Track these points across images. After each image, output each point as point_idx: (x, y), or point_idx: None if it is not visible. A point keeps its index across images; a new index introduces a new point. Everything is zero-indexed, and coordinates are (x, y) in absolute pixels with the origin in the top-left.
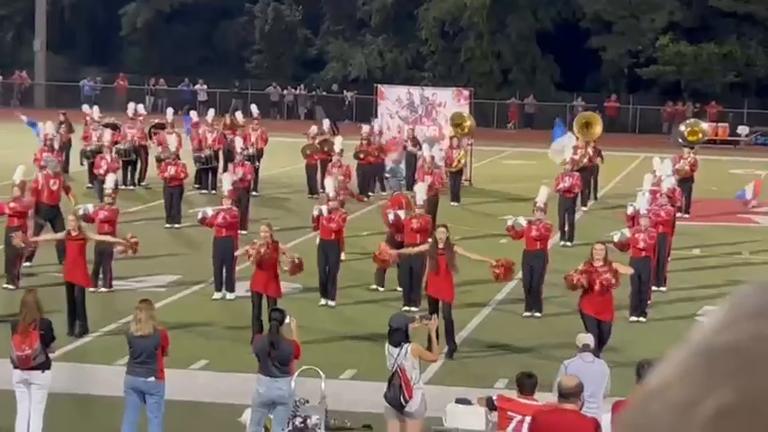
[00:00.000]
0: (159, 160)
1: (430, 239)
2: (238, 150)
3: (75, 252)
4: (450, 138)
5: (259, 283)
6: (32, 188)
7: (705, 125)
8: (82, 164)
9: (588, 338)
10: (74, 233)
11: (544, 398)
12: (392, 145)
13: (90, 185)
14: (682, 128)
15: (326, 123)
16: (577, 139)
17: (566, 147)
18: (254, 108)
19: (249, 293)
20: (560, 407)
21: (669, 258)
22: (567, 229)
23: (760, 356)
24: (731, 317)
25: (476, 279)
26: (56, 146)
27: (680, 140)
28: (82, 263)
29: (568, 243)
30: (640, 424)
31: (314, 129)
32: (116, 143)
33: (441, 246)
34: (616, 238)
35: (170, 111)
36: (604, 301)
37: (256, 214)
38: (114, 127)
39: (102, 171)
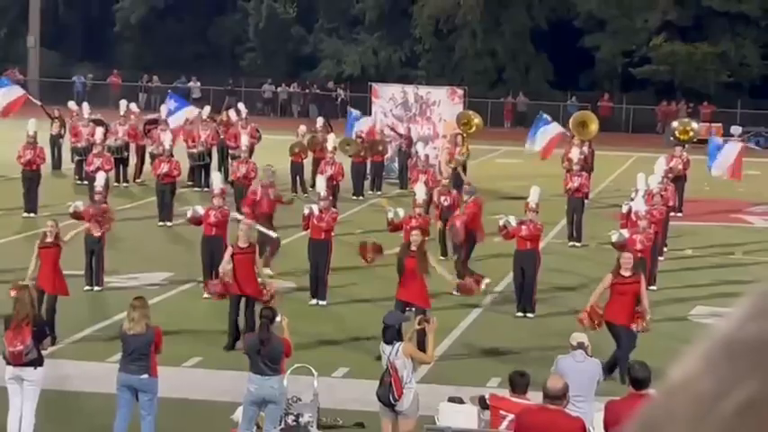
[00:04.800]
0: (153, 157)
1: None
2: (243, 148)
3: (49, 259)
4: (454, 135)
5: (239, 285)
6: None
7: (696, 125)
8: (72, 161)
9: (582, 337)
10: (49, 239)
11: (537, 397)
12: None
13: (79, 182)
14: (674, 124)
15: (320, 121)
16: (572, 136)
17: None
18: (241, 106)
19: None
20: (546, 407)
21: (661, 258)
22: (573, 229)
23: None
24: (755, 310)
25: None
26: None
27: (672, 138)
28: (56, 270)
29: (576, 244)
30: (664, 417)
31: (303, 128)
32: (106, 140)
33: (413, 248)
34: (614, 239)
35: (164, 108)
36: (630, 311)
37: None
38: (102, 124)
39: (92, 169)
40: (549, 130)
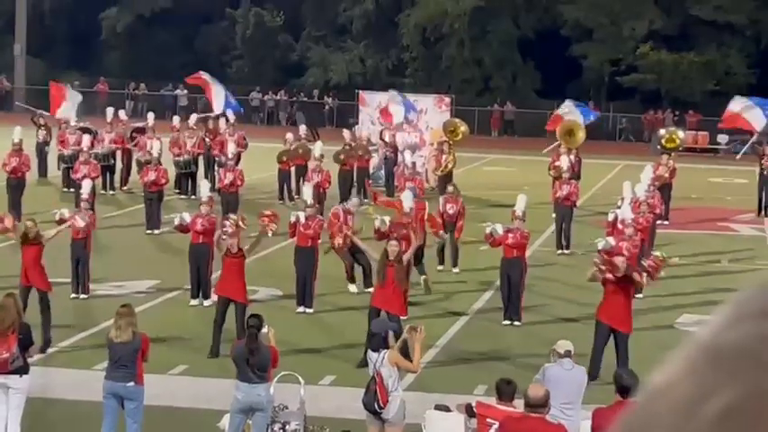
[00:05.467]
0: (140, 165)
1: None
2: (230, 155)
3: (32, 257)
4: (440, 143)
5: (226, 289)
6: None
7: (683, 134)
8: (59, 168)
9: (569, 345)
10: (30, 236)
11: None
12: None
13: (65, 189)
14: (661, 132)
15: (303, 129)
16: (559, 144)
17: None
18: (229, 113)
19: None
20: (528, 415)
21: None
22: (562, 237)
23: (765, 356)
24: (736, 316)
25: (454, 287)
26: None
27: (658, 147)
28: (41, 267)
29: (566, 252)
30: (645, 423)
31: (290, 135)
32: (92, 147)
33: (391, 258)
34: (600, 246)
35: (151, 115)
36: (623, 310)
37: None
38: (89, 131)
39: (79, 176)
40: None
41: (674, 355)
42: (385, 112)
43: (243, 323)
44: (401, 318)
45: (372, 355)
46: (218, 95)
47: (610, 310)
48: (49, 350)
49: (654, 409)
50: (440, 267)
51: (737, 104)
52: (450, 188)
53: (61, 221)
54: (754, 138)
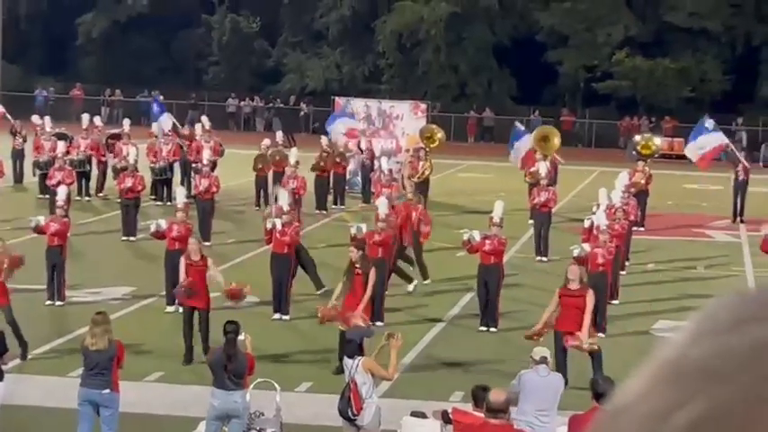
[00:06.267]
0: (115, 171)
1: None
2: (205, 161)
3: None
4: (416, 149)
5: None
6: None
7: (658, 140)
8: (34, 174)
9: (545, 351)
10: None
11: None
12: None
13: (41, 196)
14: (636, 138)
15: (279, 135)
16: (535, 151)
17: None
18: (205, 120)
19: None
20: (488, 421)
21: (623, 272)
22: (542, 243)
23: (730, 370)
24: (701, 331)
25: (431, 293)
26: None
27: (634, 153)
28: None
29: (544, 258)
30: None
31: (266, 141)
32: (67, 153)
33: (357, 265)
34: (575, 253)
35: (126, 121)
36: (581, 322)
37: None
38: (64, 137)
39: (53, 182)
40: (524, 143)
41: (637, 372)
42: (350, 134)
43: (206, 330)
44: (378, 324)
45: (347, 362)
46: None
47: (567, 322)
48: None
49: (618, 426)
50: (425, 282)
51: (693, 150)
52: (409, 195)
53: (38, 229)
54: (729, 145)
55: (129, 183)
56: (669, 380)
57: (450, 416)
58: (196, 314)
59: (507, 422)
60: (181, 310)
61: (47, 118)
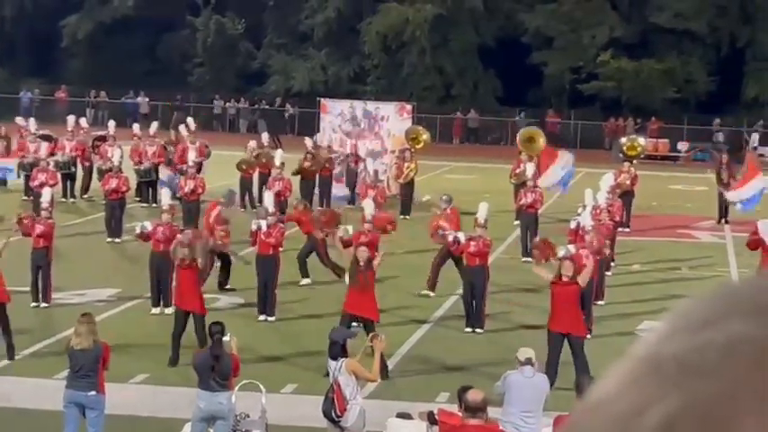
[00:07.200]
0: (101, 173)
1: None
2: (191, 163)
3: None
4: (402, 150)
5: (183, 301)
6: None
7: (644, 141)
8: (18, 176)
9: (530, 352)
10: None
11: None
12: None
13: (26, 198)
14: (622, 140)
15: (265, 137)
16: (520, 152)
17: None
18: (190, 121)
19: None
20: (467, 422)
21: (608, 273)
22: (529, 244)
23: (705, 366)
24: (675, 328)
25: (417, 295)
26: None
27: (620, 155)
28: None
29: (530, 260)
30: None
31: (252, 143)
32: (53, 155)
33: (361, 264)
34: (561, 254)
35: (112, 123)
36: (574, 316)
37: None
38: (48, 139)
39: (36, 183)
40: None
41: (612, 370)
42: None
43: (203, 333)
44: (374, 322)
45: (331, 364)
46: None
47: (560, 316)
48: (6, 360)
49: (591, 424)
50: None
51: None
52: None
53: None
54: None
55: (113, 184)
56: (644, 376)
57: (436, 417)
58: (191, 318)
59: (486, 422)
60: (168, 311)
61: (32, 119)
